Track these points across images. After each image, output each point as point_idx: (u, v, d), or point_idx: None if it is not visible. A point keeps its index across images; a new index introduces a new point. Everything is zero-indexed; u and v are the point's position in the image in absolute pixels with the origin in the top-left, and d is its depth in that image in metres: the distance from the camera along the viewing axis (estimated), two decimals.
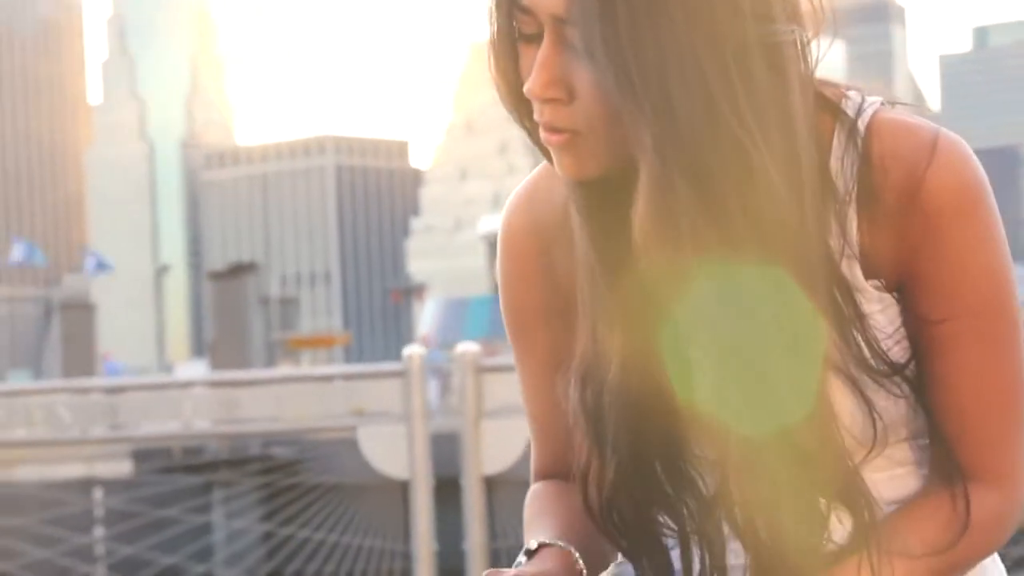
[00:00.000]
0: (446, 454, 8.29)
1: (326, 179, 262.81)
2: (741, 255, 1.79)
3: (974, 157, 1.87)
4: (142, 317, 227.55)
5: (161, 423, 9.34)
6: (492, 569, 1.84)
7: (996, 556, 2.03)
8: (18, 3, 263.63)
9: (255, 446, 15.89)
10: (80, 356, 44.42)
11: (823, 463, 1.84)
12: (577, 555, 1.93)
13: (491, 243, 50.26)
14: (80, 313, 48.88)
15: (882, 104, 1.90)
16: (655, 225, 1.78)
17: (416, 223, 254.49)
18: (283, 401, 8.66)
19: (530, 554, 1.93)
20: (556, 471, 2.10)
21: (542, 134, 1.87)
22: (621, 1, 1.78)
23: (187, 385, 10.13)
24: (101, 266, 69.05)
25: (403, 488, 8.21)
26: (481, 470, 8.12)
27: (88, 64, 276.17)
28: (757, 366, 1.82)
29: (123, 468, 19.19)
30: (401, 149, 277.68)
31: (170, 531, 10.96)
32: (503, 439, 8.13)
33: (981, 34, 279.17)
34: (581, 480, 1.97)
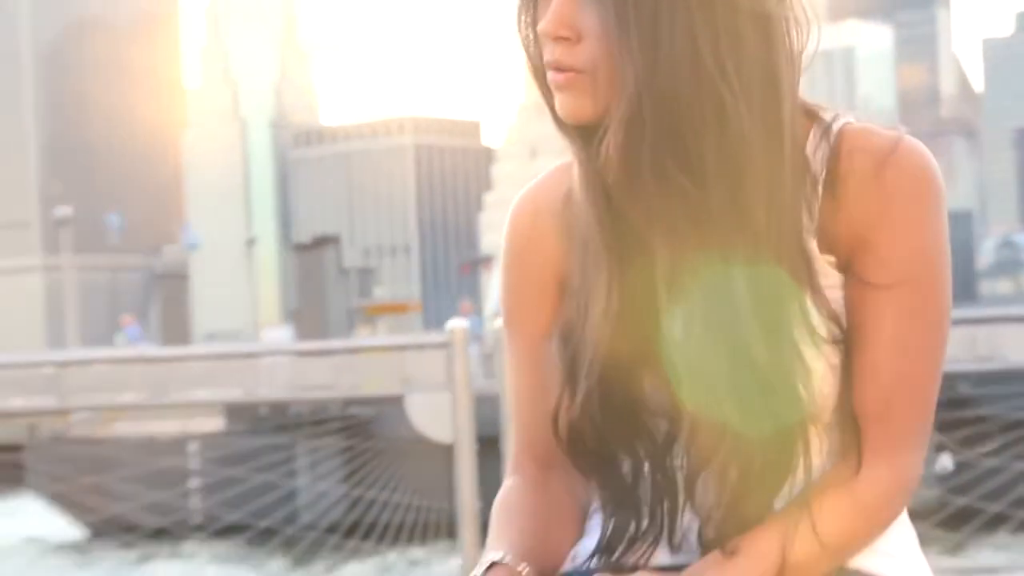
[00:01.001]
0: (489, 416, 8.30)
1: (405, 157, 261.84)
2: (707, 202, 1.82)
3: (933, 160, 1.89)
4: (235, 285, 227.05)
5: (246, 386, 9.35)
6: None
7: (906, 519, 2.01)
8: None
9: (335, 407, 15.84)
10: (177, 321, 44.60)
11: (779, 422, 1.84)
12: (526, 571, 1.91)
13: None
14: (176, 283, 48.99)
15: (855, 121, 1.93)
16: (619, 155, 1.82)
17: (488, 198, 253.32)
18: (341, 370, 8.50)
19: (485, 570, 1.91)
20: (529, 455, 2.08)
21: (549, 75, 1.88)
22: None
23: (266, 354, 10.22)
24: (192, 244, 69.31)
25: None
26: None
27: (184, 51, 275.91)
28: (725, 320, 1.84)
29: (216, 424, 19.35)
30: (474, 129, 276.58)
31: (256, 481, 10.95)
32: None
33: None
34: (553, 414, 1.94)
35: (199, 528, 12.88)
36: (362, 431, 10.79)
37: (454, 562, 8.21)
